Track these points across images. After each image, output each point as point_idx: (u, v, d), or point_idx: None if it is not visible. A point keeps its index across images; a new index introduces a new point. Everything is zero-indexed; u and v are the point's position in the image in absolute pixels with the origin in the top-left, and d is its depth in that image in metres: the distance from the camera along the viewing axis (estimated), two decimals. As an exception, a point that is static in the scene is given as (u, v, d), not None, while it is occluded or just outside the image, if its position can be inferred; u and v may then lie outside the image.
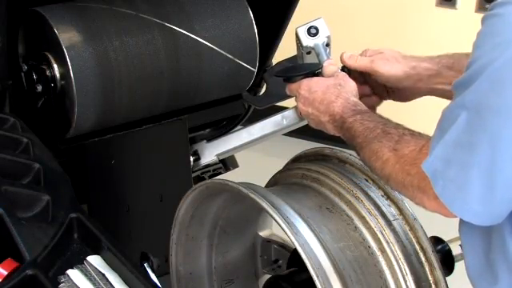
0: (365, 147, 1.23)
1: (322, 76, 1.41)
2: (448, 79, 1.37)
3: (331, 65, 1.42)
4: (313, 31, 1.47)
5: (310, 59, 1.49)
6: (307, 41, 1.47)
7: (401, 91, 1.46)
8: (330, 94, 1.34)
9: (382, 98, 1.50)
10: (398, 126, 1.23)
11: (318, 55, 1.46)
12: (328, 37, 1.48)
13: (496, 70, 0.98)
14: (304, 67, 1.46)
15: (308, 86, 1.38)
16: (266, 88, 1.53)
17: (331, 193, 1.41)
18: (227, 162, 2.16)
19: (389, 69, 1.42)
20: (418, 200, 1.14)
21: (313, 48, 1.47)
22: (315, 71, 1.41)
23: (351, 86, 1.36)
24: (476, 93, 1.01)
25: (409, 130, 1.21)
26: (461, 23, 3.42)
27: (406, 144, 1.16)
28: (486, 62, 1.00)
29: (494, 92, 0.99)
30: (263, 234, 1.68)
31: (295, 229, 1.28)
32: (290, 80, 1.42)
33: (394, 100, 1.49)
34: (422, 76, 1.42)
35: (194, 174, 2.00)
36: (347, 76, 1.39)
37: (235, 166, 2.20)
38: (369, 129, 1.24)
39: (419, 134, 1.18)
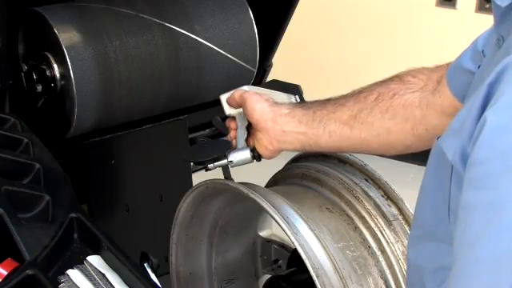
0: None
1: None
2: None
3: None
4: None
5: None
6: (229, 110, 1.40)
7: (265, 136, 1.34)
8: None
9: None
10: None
11: (237, 128, 1.38)
12: None
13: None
14: (214, 149, 1.36)
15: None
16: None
17: (331, 193, 1.41)
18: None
19: (257, 99, 1.33)
20: None
21: (234, 117, 1.39)
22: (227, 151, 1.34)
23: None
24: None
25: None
26: (461, 23, 3.42)
27: None
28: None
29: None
30: (263, 234, 1.67)
31: (295, 229, 1.28)
32: (200, 165, 1.35)
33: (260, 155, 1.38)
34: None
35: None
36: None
37: None
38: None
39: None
